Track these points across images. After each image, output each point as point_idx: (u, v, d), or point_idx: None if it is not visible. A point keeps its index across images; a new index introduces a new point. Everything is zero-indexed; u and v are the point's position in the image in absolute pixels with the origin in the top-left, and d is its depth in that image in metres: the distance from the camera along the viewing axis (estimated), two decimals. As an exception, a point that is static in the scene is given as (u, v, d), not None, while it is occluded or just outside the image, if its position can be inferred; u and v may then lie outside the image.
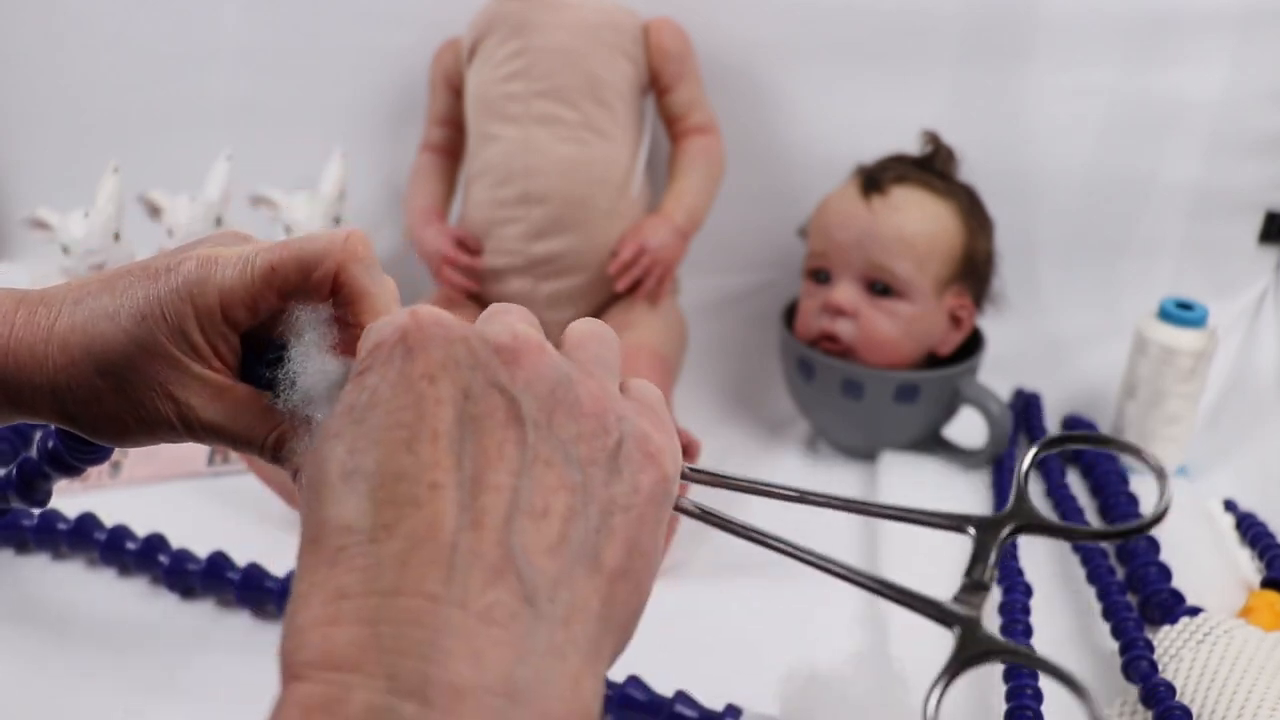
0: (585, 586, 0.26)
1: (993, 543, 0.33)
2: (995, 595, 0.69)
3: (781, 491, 0.38)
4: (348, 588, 0.23)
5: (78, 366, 0.34)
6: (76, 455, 0.41)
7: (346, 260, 0.34)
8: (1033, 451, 0.37)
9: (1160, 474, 0.35)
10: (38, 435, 0.43)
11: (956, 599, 0.32)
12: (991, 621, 0.67)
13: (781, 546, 0.36)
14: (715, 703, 0.61)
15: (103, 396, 0.34)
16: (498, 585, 0.24)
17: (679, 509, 0.34)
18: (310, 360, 0.34)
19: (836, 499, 0.38)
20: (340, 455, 0.25)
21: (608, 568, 0.27)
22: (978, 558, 0.34)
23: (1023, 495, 0.36)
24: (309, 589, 0.24)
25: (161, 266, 0.34)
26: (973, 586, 0.33)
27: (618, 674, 0.61)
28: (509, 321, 0.29)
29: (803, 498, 0.38)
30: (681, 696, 0.60)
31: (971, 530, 0.35)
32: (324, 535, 0.25)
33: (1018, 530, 0.35)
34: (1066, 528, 0.38)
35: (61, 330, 0.34)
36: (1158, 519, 0.32)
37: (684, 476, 0.35)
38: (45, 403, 0.34)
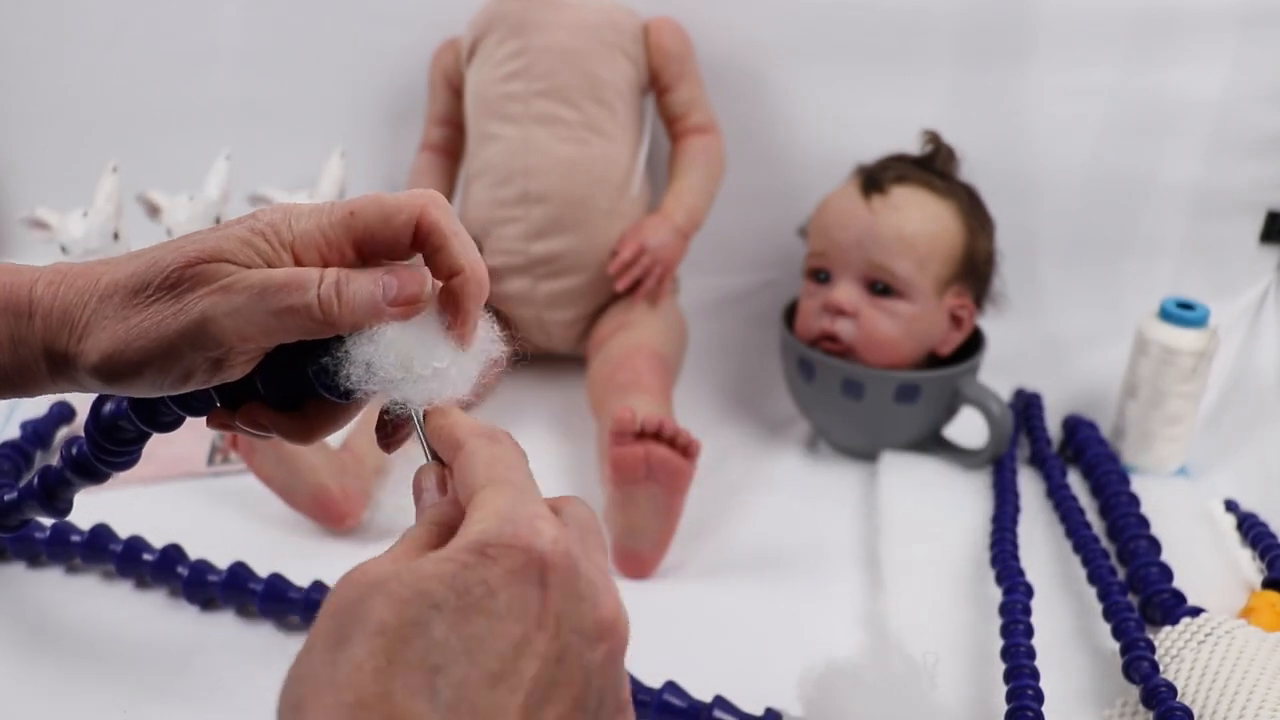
0: None
1: None
2: (995, 595, 0.69)
3: None
4: None
5: (119, 289, 0.34)
6: (104, 460, 0.41)
7: (428, 204, 0.35)
8: None
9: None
10: (61, 443, 0.43)
11: None
12: (992, 621, 0.67)
13: None
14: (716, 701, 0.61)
15: (134, 313, 0.34)
16: None
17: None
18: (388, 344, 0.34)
19: None
20: (435, 638, 0.26)
21: None
22: None
23: None
24: None
25: (231, 222, 0.35)
26: None
27: (654, 679, 0.61)
28: (612, 587, 0.30)
29: None
30: (720, 701, 0.60)
31: None
32: (388, 713, 0.25)
33: None
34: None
35: (117, 265, 0.35)
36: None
37: None
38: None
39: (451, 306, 0.36)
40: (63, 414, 0.87)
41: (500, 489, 0.30)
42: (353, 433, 0.80)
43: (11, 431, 0.83)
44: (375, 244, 0.35)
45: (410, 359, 0.34)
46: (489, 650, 0.26)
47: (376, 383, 0.34)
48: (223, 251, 0.33)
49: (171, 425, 0.40)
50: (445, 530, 0.31)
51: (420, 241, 0.35)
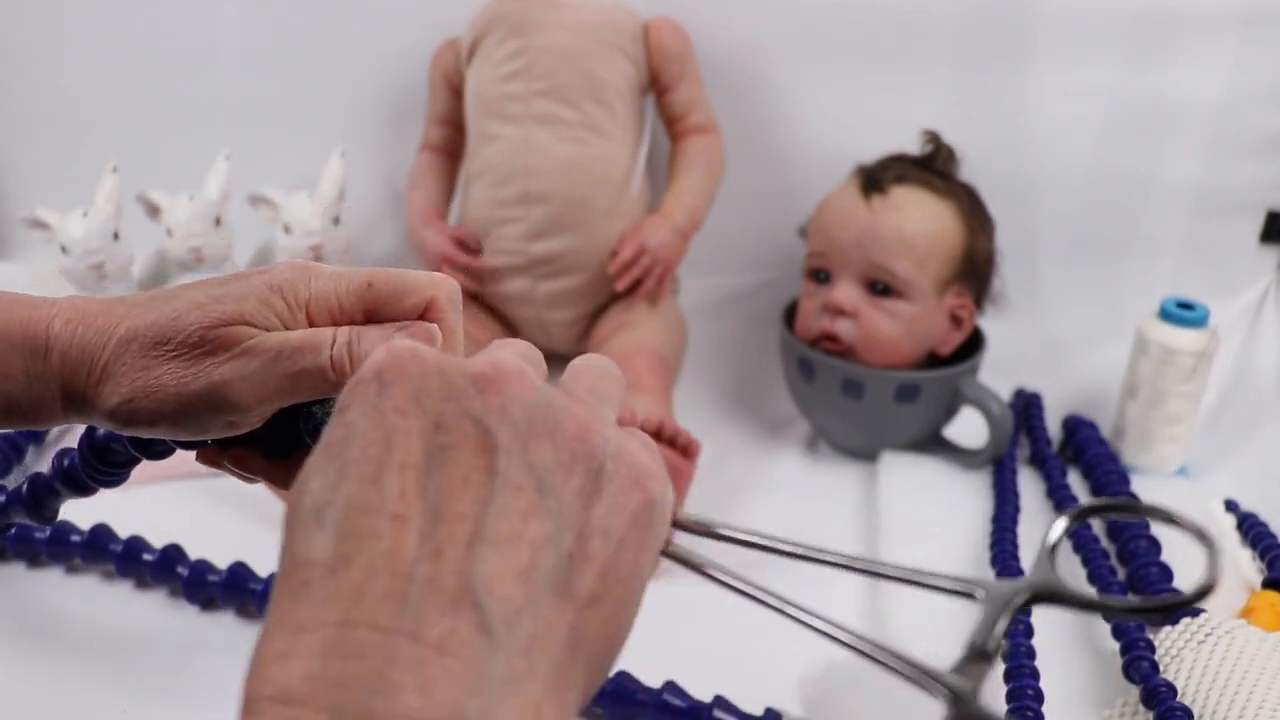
0: (552, 614, 0.25)
1: (1004, 610, 0.31)
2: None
3: (779, 547, 0.37)
4: (306, 621, 0.23)
5: (139, 338, 0.35)
6: (92, 475, 0.42)
7: (440, 295, 0.37)
8: (1062, 523, 0.35)
9: (1208, 542, 0.31)
10: (54, 453, 0.43)
11: (956, 669, 0.29)
12: (992, 622, 0.67)
13: (775, 603, 0.34)
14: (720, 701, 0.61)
15: (154, 365, 0.35)
16: (453, 614, 0.24)
17: (668, 554, 0.33)
18: None
19: (838, 556, 0.35)
20: (313, 490, 0.26)
21: (580, 595, 0.26)
22: (985, 626, 0.31)
23: (1043, 564, 0.33)
24: (274, 624, 0.24)
25: (255, 270, 0.37)
26: (976, 656, 0.30)
27: (654, 679, 0.61)
28: (494, 352, 0.29)
29: (804, 555, 0.36)
30: (720, 701, 0.60)
31: (980, 594, 0.33)
32: (292, 569, 0.25)
33: (1034, 600, 0.32)
34: (1093, 601, 0.33)
35: (138, 311, 0.36)
36: (1203, 593, 0.29)
37: (676, 524, 0.34)
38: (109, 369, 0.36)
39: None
40: None
41: None
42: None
43: None
44: (384, 317, 0.37)
45: None
46: (358, 462, 0.25)
47: None
48: (243, 314, 0.35)
49: (163, 454, 0.41)
50: None
51: (425, 316, 0.37)
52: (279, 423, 0.37)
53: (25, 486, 0.44)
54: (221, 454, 0.39)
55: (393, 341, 0.29)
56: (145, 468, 0.44)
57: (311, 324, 0.36)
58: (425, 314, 0.37)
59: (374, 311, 0.37)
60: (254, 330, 0.35)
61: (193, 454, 0.39)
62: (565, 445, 0.27)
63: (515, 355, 0.29)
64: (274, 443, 0.38)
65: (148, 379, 0.35)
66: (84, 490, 0.43)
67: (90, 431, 0.41)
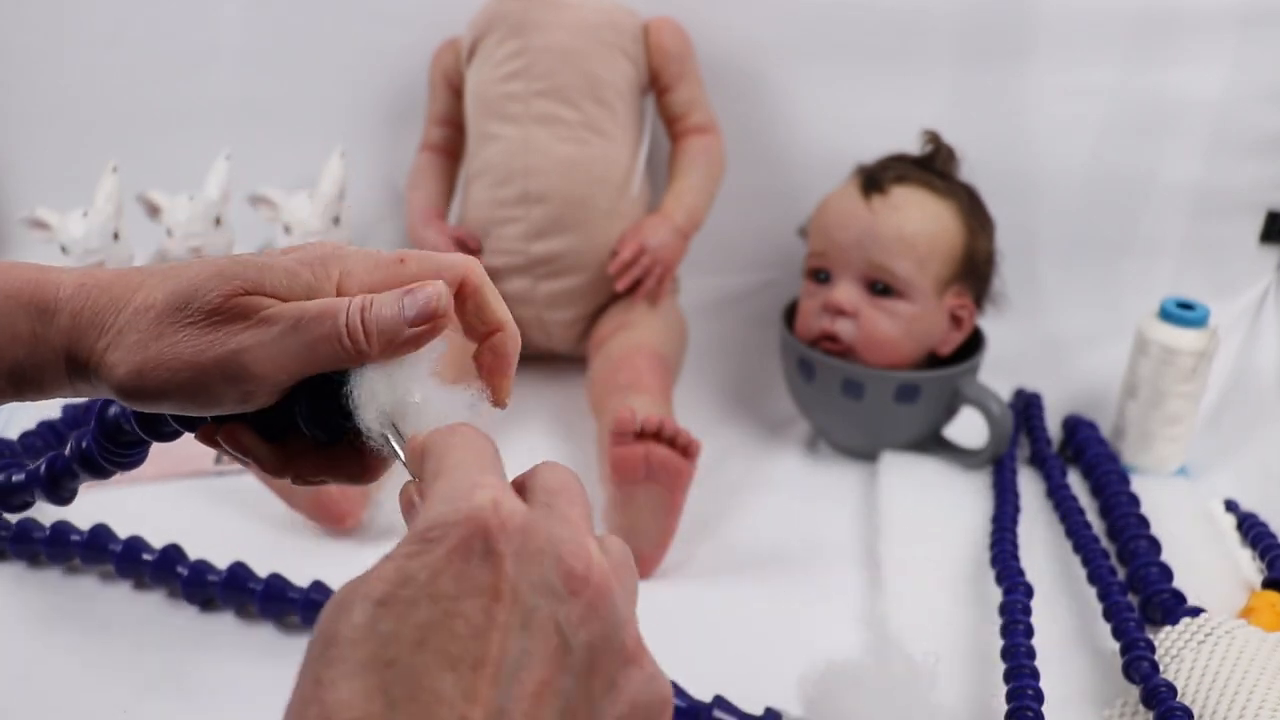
0: None
1: None
2: (995, 595, 0.69)
3: None
4: None
5: (157, 306, 0.34)
6: (108, 458, 0.41)
7: (472, 268, 0.37)
8: None
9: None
10: (72, 434, 0.43)
11: None
12: (992, 621, 0.67)
13: None
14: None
15: (169, 333, 0.34)
16: None
17: None
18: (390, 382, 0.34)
19: None
20: (382, 632, 0.24)
21: None
22: None
23: None
24: None
25: (276, 251, 0.36)
26: None
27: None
28: (581, 535, 0.28)
29: None
30: (720, 701, 0.60)
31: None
32: (328, 713, 0.23)
33: None
34: None
35: (155, 280, 0.35)
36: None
37: None
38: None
39: (493, 362, 0.38)
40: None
41: (448, 475, 0.29)
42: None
43: (17, 428, 0.82)
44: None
45: (399, 398, 0.34)
46: (441, 635, 0.24)
47: (365, 421, 0.34)
48: (264, 284, 0.34)
49: (171, 436, 0.40)
50: None
51: (462, 301, 0.37)
52: (281, 403, 0.36)
53: (44, 466, 0.44)
54: (217, 429, 0.37)
55: (500, 496, 0.27)
56: (146, 467, 0.44)
57: (341, 295, 0.35)
58: (462, 288, 0.36)
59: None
60: (272, 301, 0.34)
61: (201, 452, 0.39)
62: (621, 669, 0.27)
63: (598, 552, 0.28)
64: (271, 423, 0.37)
65: (161, 347, 0.33)
66: (99, 472, 0.42)
67: (102, 410, 0.40)
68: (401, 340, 0.34)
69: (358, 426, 0.34)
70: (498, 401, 0.38)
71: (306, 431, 0.36)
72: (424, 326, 0.34)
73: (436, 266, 0.36)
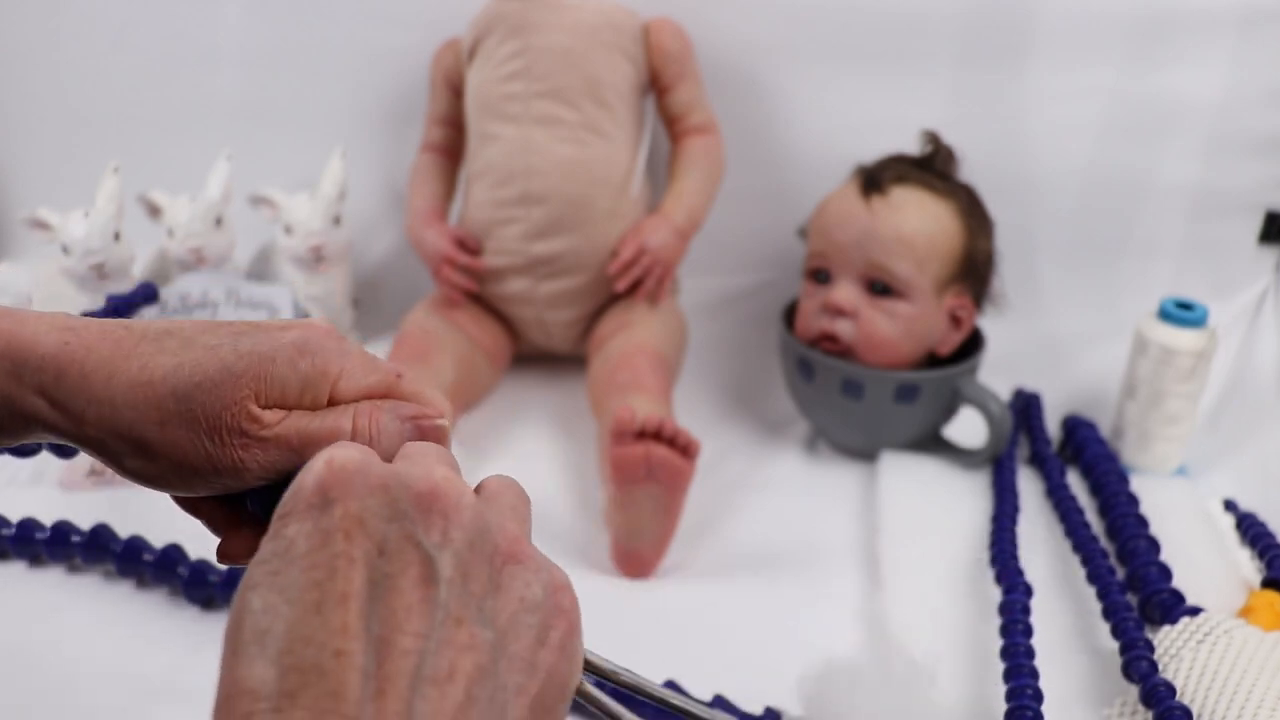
0: None
1: None
2: (995, 594, 0.69)
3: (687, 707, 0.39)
4: None
5: (155, 386, 0.33)
6: None
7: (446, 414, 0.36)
8: None
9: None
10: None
11: None
12: (991, 621, 0.67)
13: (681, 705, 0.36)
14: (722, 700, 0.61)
15: (169, 421, 0.33)
16: None
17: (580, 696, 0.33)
18: None
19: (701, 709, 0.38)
20: (255, 610, 0.25)
21: None
22: None
23: None
24: None
25: (279, 324, 0.35)
26: None
27: (654, 679, 0.61)
28: (429, 466, 0.29)
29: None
30: (720, 701, 0.60)
31: None
32: (234, 696, 0.25)
33: None
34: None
35: (149, 349, 0.34)
36: None
37: (587, 667, 0.34)
38: (100, 416, 0.33)
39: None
40: (148, 295, 0.87)
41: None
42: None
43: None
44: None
45: None
46: (304, 588, 0.25)
47: None
48: (268, 389, 0.33)
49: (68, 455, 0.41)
50: None
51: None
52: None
53: None
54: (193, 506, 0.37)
55: (334, 451, 0.28)
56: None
57: (333, 401, 0.34)
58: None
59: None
60: (276, 414, 0.33)
61: None
62: (501, 573, 0.28)
63: (450, 470, 0.29)
64: (235, 501, 0.36)
65: (161, 437, 0.33)
66: None
67: None
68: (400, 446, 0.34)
69: None
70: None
71: (254, 510, 0.36)
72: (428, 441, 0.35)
73: (422, 396, 0.36)
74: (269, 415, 0.33)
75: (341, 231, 0.95)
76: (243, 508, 0.36)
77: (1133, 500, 0.79)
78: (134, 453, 0.33)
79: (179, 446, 0.33)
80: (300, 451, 0.33)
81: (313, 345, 0.34)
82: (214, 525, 0.37)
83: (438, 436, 0.35)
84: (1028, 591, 0.67)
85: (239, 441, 0.33)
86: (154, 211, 0.92)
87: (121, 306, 0.84)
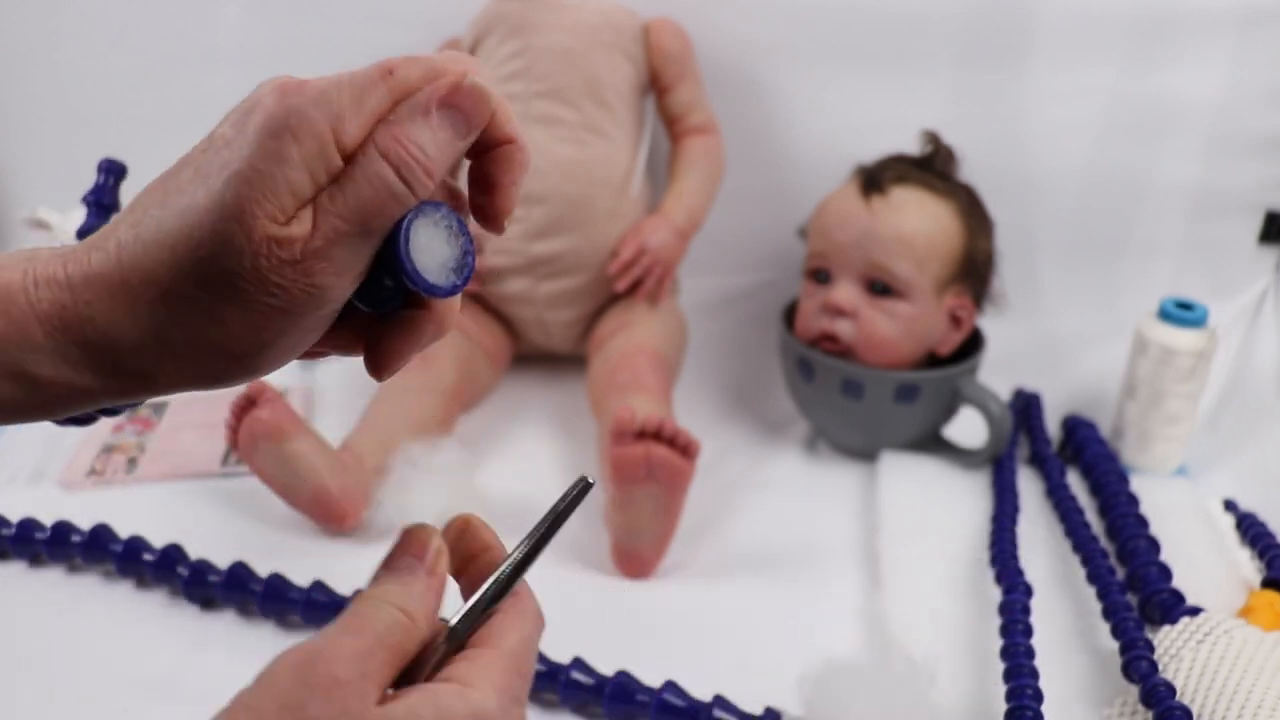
0: None
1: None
2: (995, 594, 0.69)
3: None
4: None
5: (165, 282, 0.28)
6: None
7: (471, 69, 0.30)
8: None
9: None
10: None
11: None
12: (991, 621, 0.67)
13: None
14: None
15: (204, 308, 0.28)
16: None
17: None
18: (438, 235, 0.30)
19: None
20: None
21: None
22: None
23: None
24: None
25: (230, 128, 0.29)
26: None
27: (654, 679, 0.61)
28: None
29: None
30: (720, 701, 0.60)
31: None
32: None
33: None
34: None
35: (129, 254, 0.28)
36: None
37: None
38: (136, 346, 0.29)
39: (496, 174, 0.31)
40: (112, 169, 0.83)
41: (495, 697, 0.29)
42: (353, 433, 0.80)
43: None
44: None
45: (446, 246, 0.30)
46: None
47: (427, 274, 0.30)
48: (267, 192, 0.27)
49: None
50: (400, 646, 0.29)
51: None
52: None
53: None
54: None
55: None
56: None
57: (348, 155, 0.28)
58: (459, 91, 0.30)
59: (403, 100, 0.29)
60: (301, 224, 0.28)
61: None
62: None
63: None
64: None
65: (213, 328, 0.28)
66: None
67: None
68: (457, 149, 0.29)
69: (409, 287, 0.30)
70: (496, 226, 0.32)
71: (367, 307, 0.31)
72: (472, 117, 0.29)
73: (429, 71, 0.30)
74: (296, 228, 0.28)
75: None
76: (354, 314, 0.31)
77: (1133, 500, 0.79)
78: (195, 365, 0.29)
79: (234, 326, 0.28)
80: (362, 226, 0.28)
81: (286, 120, 0.28)
82: (342, 348, 0.33)
83: (474, 99, 0.29)
84: (1028, 591, 0.67)
85: (289, 276, 0.28)
86: (154, 211, 0.92)
87: (101, 195, 0.80)
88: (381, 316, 0.32)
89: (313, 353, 0.32)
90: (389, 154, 0.28)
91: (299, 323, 0.29)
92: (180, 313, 0.28)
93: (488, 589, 0.32)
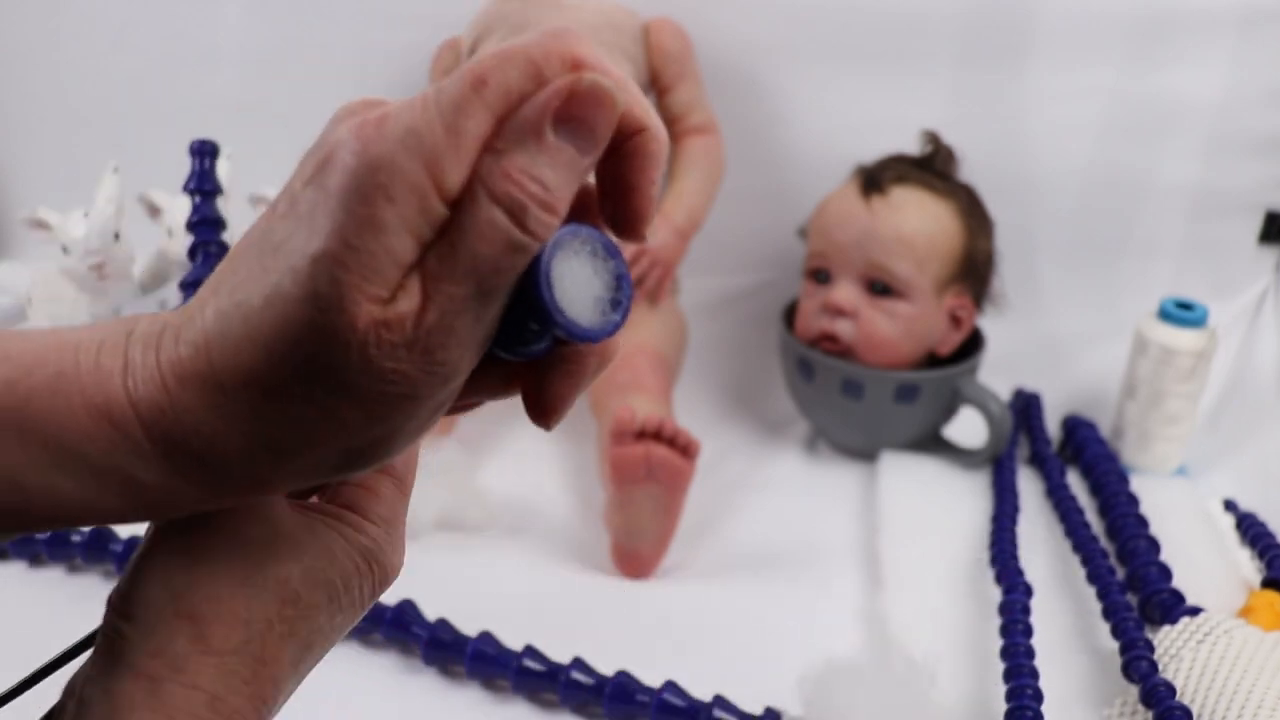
0: None
1: None
2: (995, 594, 0.69)
3: None
4: None
5: (264, 382, 0.23)
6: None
7: (576, 44, 0.25)
8: None
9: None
10: None
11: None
12: (991, 621, 0.67)
13: None
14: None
15: (314, 407, 0.23)
16: None
17: None
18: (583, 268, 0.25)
19: None
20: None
21: None
22: None
23: None
24: None
25: (310, 189, 0.23)
26: None
27: (654, 679, 0.61)
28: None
29: None
30: (720, 701, 0.60)
31: None
32: None
33: None
34: None
35: (219, 352, 0.24)
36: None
37: None
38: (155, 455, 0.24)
39: (627, 181, 0.26)
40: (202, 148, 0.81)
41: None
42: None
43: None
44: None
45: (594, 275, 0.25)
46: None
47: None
48: (367, 270, 0.22)
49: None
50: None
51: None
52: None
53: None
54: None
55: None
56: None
57: (448, 200, 0.23)
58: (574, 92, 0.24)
59: (507, 115, 0.23)
60: (410, 298, 0.23)
61: None
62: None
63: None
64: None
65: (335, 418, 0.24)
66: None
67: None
68: (584, 168, 0.24)
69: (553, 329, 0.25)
70: (636, 234, 0.26)
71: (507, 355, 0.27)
72: (598, 127, 0.24)
73: (529, 66, 0.24)
74: (404, 303, 0.23)
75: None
76: (496, 362, 0.27)
77: (1133, 500, 0.79)
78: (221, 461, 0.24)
79: (352, 421, 0.24)
80: (480, 288, 0.23)
81: (375, 177, 0.22)
82: (495, 393, 0.29)
83: (597, 102, 0.24)
84: (1028, 591, 0.67)
85: (404, 359, 0.23)
86: (153, 211, 0.92)
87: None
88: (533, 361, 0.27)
89: (462, 405, 0.29)
90: (501, 196, 0.23)
91: (424, 404, 0.24)
92: (288, 414, 0.23)
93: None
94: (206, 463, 0.24)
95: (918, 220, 0.84)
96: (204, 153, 0.80)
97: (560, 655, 0.62)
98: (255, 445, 0.24)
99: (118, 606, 0.27)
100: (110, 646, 0.26)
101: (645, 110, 0.26)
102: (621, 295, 0.25)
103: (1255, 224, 1.00)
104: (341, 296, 0.22)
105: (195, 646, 0.25)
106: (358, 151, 0.22)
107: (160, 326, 0.25)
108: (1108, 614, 0.66)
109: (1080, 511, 0.78)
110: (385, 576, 0.30)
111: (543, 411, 0.27)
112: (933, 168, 0.88)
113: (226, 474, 0.24)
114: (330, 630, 0.29)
